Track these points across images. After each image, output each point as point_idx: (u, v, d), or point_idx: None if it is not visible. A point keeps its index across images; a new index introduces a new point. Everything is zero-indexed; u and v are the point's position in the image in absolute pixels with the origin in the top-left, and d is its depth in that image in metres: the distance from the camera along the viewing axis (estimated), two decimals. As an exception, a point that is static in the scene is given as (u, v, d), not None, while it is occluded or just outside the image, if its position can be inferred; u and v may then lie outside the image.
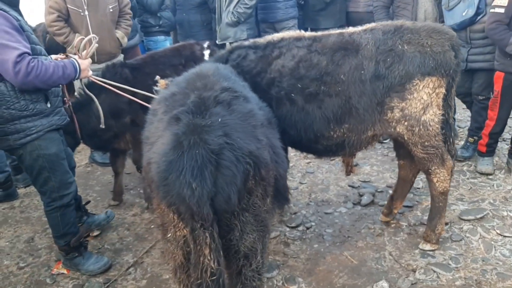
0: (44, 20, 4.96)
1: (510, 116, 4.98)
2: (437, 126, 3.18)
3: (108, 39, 4.87)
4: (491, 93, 4.56)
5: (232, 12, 5.78)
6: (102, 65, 4.51)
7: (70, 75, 3.10)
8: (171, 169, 1.79)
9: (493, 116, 4.54)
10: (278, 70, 3.27)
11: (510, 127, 5.15)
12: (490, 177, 4.58)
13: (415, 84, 3.06)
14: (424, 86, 3.07)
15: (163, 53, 4.51)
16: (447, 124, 3.28)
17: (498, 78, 4.36)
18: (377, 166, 5.06)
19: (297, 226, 3.99)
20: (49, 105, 3.12)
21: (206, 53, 4.55)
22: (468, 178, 4.59)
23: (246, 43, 3.52)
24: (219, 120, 1.92)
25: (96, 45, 3.43)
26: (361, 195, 4.42)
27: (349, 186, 4.66)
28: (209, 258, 1.83)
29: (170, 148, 1.84)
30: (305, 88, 3.19)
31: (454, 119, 3.61)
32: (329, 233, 3.87)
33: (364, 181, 4.74)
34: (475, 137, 4.92)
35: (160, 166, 1.84)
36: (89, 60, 3.37)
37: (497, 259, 3.35)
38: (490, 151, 4.71)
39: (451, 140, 3.33)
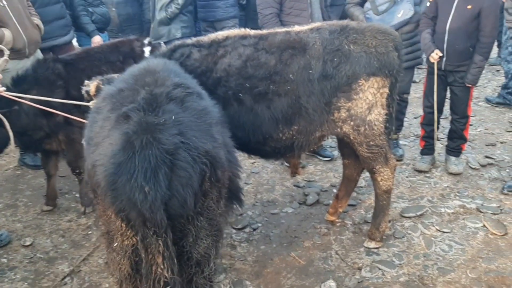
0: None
1: (444, 117, 5.25)
2: (381, 125, 3.23)
3: (31, 27, 4.44)
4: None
5: (165, 10, 5.65)
6: (31, 59, 4.17)
7: None
8: (121, 172, 1.64)
9: (423, 107, 4.77)
10: (225, 69, 3.17)
11: (443, 127, 5.37)
12: (428, 175, 4.75)
13: (360, 84, 3.09)
14: (369, 86, 3.11)
15: (100, 49, 4.26)
16: (390, 121, 3.34)
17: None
18: (320, 166, 5.09)
19: (244, 227, 3.92)
20: None
21: (147, 50, 4.34)
22: (407, 177, 4.74)
23: (189, 41, 3.38)
24: (173, 117, 1.79)
25: (6, 58, 3.16)
26: (306, 195, 4.42)
27: (294, 186, 4.66)
28: (162, 267, 1.71)
29: (119, 149, 1.69)
30: (254, 87, 3.11)
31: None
32: (276, 234, 3.83)
33: (309, 181, 4.75)
34: (398, 133, 5.24)
35: (108, 168, 1.68)
36: None
37: (438, 255, 3.47)
38: (428, 147, 4.88)
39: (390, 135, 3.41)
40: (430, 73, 4.59)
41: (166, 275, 1.69)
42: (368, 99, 3.13)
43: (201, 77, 3.18)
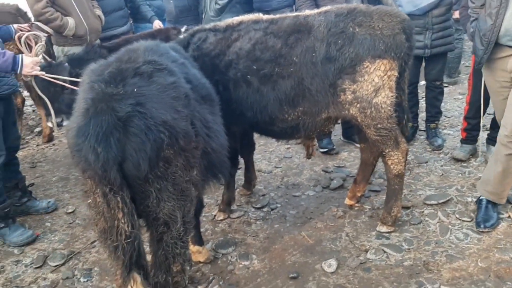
0: (31, 11, 5.07)
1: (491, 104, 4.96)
2: (389, 108, 3.21)
3: (93, 17, 5.01)
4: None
5: (215, 0, 5.88)
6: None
7: (6, 64, 3.26)
8: (79, 134, 1.89)
9: (468, 99, 4.54)
10: (236, 52, 3.35)
11: (489, 114, 5.08)
12: (464, 164, 4.57)
13: (365, 66, 3.10)
14: (375, 68, 3.11)
15: (138, 37, 4.62)
16: (400, 107, 3.31)
17: (472, 60, 4.38)
18: (354, 152, 5.07)
19: (262, 207, 4.07)
20: None
21: (183, 37, 4.63)
22: (442, 166, 4.59)
23: (207, 26, 3.59)
24: (135, 90, 2.01)
25: (43, 43, 3.57)
26: (332, 179, 4.47)
27: (323, 171, 4.72)
28: (122, 221, 1.93)
29: (79, 115, 1.95)
30: (260, 69, 3.25)
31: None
32: (292, 214, 3.94)
33: (339, 166, 4.79)
34: (436, 122, 5.05)
35: (72, 132, 1.95)
36: (37, 58, 3.50)
37: (451, 242, 3.37)
38: (470, 138, 4.68)
39: (404, 123, 3.37)
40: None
41: (127, 229, 1.92)
42: (374, 82, 3.13)
43: (215, 60, 3.40)
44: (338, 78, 3.16)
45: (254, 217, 3.92)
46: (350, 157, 5.00)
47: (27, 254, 3.59)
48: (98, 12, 5.21)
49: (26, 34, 3.57)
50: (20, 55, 3.37)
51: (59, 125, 4.00)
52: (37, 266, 3.42)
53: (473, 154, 4.70)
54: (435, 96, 4.89)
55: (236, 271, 3.24)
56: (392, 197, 3.50)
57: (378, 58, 3.10)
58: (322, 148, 5.12)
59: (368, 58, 3.09)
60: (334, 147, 5.13)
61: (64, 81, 3.78)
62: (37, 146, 6.05)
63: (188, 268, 2.55)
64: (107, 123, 1.86)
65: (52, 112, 3.74)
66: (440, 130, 5.27)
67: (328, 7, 3.33)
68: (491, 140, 4.52)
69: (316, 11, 3.32)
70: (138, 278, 2.06)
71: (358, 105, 3.20)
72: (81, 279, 3.26)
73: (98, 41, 5.11)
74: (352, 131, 5.11)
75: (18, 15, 5.43)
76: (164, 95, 2.08)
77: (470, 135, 4.68)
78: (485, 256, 3.18)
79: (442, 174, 4.41)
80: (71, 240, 3.76)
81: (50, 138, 6.10)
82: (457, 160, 4.62)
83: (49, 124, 3.91)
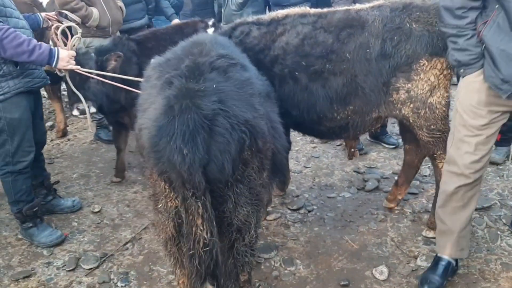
0: (56, 2, 4.88)
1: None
2: (444, 109, 3.07)
3: (115, 9, 4.83)
4: None
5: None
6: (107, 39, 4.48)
7: (42, 57, 3.08)
8: (162, 134, 1.72)
9: None
10: (282, 47, 3.19)
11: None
12: (501, 167, 4.45)
13: (422, 64, 2.95)
14: (431, 67, 2.96)
15: (165, 30, 4.47)
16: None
17: None
18: (384, 153, 4.95)
19: (299, 209, 3.92)
20: (18, 67, 3.15)
21: (210, 31, 4.47)
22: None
23: (250, 19, 3.43)
24: (214, 86, 1.85)
25: (79, 36, 3.40)
26: (365, 181, 4.33)
27: (354, 171, 4.57)
28: (201, 228, 1.78)
29: (160, 113, 1.78)
30: (310, 66, 3.10)
31: None
32: (330, 217, 3.80)
33: (370, 167, 4.65)
34: None
35: (151, 131, 1.78)
36: (72, 52, 3.35)
37: (503, 249, 3.25)
38: (505, 140, 4.56)
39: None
40: None
41: (205, 236, 1.76)
42: (430, 81, 2.98)
43: (259, 55, 3.23)
44: (392, 76, 3.00)
45: (292, 219, 3.76)
46: (380, 158, 4.86)
47: (57, 256, 3.41)
48: (120, 3, 5.04)
49: (64, 25, 3.38)
50: (56, 48, 3.19)
51: (82, 113, 3.78)
52: (70, 268, 3.24)
53: (508, 156, 4.58)
54: None
55: (282, 277, 3.09)
56: (441, 201, 3.35)
57: (435, 56, 2.94)
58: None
59: (425, 56, 2.94)
60: (363, 147, 4.99)
61: (98, 74, 3.60)
62: (51, 141, 5.83)
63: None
64: (194, 122, 1.69)
65: (83, 99, 3.55)
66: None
67: (380, 1, 3.17)
68: (528, 142, 4.41)
69: (367, 5, 3.16)
70: (211, 289, 1.90)
71: (412, 105, 3.05)
72: (119, 284, 3.09)
73: (118, 33, 4.93)
74: (381, 131, 4.98)
75: (33, 5, 5.23)
76: (242, 92, 1.92)
77: (505, 137, 4.55)
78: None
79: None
80: (101, 242, 3.58)
81: (64, 133, 5.89)
82: (493, 163, 4.49)
83: (75, 113, 3.70)
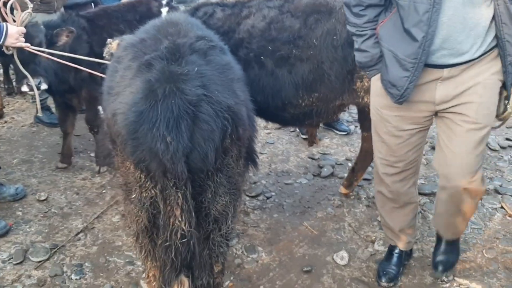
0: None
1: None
2: (405, 98, 3.14)
3: None
4: None
5: None
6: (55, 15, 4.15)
7: None
8: (142, 121, 1.60)
9: None
10: (248, 30, 3.10)
11: None
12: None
13: (387, 53, 2.99)
14: (395, 56, 3.01)
15: (117, 8, 4.21)
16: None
17: None
18: (336, 140, 5.02)
19: (257, 195, 3.89)
20: None
21: (164, 10, 4.27)
22: (424, 154, 4.64)
23: (214, 0, 3.30)
24: (196, 69, 1.74)
25: (30, 11, 3.13)
26: (321, 167, 4.37)
27: (309, 158, 4.61)
28: (180, 219, 1.68)
29: (141, 97, 1.64)
30: (276, 51, 3.04)
31: None
32: (289, 203, 3.81)
33: (324, 154, 4.70)
34: None
35: (129, 117, 1.64)
36: (22, 28, 3.07)
37: (452, 232, 3.42)
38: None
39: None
40: None
41: (184, 227, 1.67)
42: (393, 70, 3.03)
43: (223, 38, 3.11)
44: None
45: (252, 206, 3.73)
46: (333, 144, 4.93)
47: (1, 248, 3.15)
48: None
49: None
50: (4, 24, 2.88)
51: (38, 88, 3.47)
52: (17, 262, 3.00)
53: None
54: None
55: (245, 265, 3.06)
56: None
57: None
58: (303, 134, 5.02)
59: (389, 45, 2.98)
60: (317, 134, 5.04)
61: (50, 53, 3.31)
62: (-16, 123, 5.38)
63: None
64: (178, 108, 1.57)
65: (31, 79, 3.27)
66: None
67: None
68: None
69: (334, -9, 3.14)
70: (186, 282, 1.82)
71: (374, 93, 3.10)
72: (73, 276, 2.91)
73: (62, 9, 4.58)
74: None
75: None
76: (223, 77, 1.82)
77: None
78: (489, 247, 3.25)
79: (427, 163, 4.47)
80: (50, 232, 3.35)
81: (0, 115, 5.44)
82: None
83: (24, 89, 3.39)
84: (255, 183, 4.10)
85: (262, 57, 3.07)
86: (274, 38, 3.04)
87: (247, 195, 3.88)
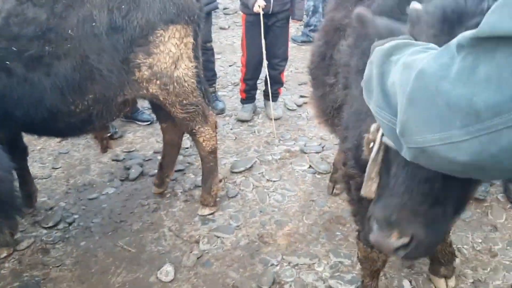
0: None
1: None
2: (192, 81, 2.87)
3: None
4: None
5: None
6: None
7: None
8: None
9: (243, 61, 4.55)
10: (-24, 31, 2.38)
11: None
12: (251, 123, 4.60)
13: (159, 35, 2.64)
14: (169, 36, 2.69)
15: None
16: (199, 77, 2.98)
17: (242, 20, 4.37)
18: (140, 132, 4.54)
19: (56, 224, 3.23)
20: None
21: None
22: (231, 129, 4.52)
23: None
24: None
25: None
26: (127, 169, 3.88)
27: (113, 160, 4.05)
28: None
29: None
30: (24, 51, 2.41)
31: None
32: (97, 223, 3.25)
33: (129, 151, 4.19)
34: (214, 85, 4.89)
35: None
36: None
37: (273, 207, 3.34)
38: (249, 97, 4.72)
39: (205, 92, 3.07)
40: (252, 24, 4.26)
41: None
42: (172, 52, 2.71)
43: None
44: (130, 51, 2.61)
45: (51, 240, 3.07)
46: (137, 138, 4.45)
47: None
48: None
49: None
50: None
51: None
52: None
53: (255, 111, 4.78)
54: (207, 58, 4.69)
55: (50, 322, 2.47)
56: (209, 175, 3.22)
57: (171, 24, 2.67)
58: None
59: (160, 25, 2.63)
60: (117, 130, 4.48)
61: None
62: None
63: None
64: None
65: None
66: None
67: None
68: (267, 95, 4.66)
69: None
70: None
71: (158, 82, 2.74)
72: None
73: None
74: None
75: None
76: None
77: (249, 95, 4.74)
78: (307, 212, 3.25)
79: (236, 138, 4.35)
80: None
81: None
82: (243, 121, 4.62)
83: None
84: (51, 208, 3.40)
85: (7, 62, 2.40)
86: (17, 35, 2.39)
87: (43, 227, 3.20)
